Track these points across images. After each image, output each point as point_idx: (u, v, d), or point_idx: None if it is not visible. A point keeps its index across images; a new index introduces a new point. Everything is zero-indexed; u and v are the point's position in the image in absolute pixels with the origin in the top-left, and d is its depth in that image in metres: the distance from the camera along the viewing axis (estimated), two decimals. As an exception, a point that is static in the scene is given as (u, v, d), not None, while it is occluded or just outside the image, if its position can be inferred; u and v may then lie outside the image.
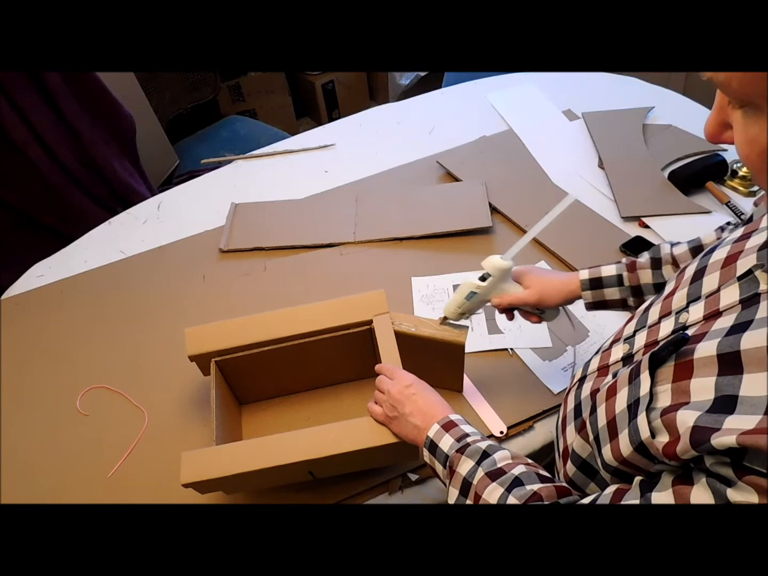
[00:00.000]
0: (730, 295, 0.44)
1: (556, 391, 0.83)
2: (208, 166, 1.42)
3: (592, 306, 0.72)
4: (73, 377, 0.94)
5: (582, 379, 0.60)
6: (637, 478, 0.44)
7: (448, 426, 0.58)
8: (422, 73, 2.42)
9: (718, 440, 0.35)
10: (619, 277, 0.70)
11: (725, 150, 1.17)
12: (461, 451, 0.55)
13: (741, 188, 1.10)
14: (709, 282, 0.47)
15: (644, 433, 0.43)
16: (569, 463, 0.57)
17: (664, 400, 0.43)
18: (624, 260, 0.71)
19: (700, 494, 0.37)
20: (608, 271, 0.70)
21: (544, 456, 0.79)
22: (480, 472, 0.52)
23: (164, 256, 1.15)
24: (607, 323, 0.90)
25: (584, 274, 0.71)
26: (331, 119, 2.38)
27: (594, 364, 0.59)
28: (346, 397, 0.85)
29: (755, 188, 1.09)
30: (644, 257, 0.70)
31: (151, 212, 1.27)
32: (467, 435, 0.57)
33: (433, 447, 0.58)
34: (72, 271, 1.14)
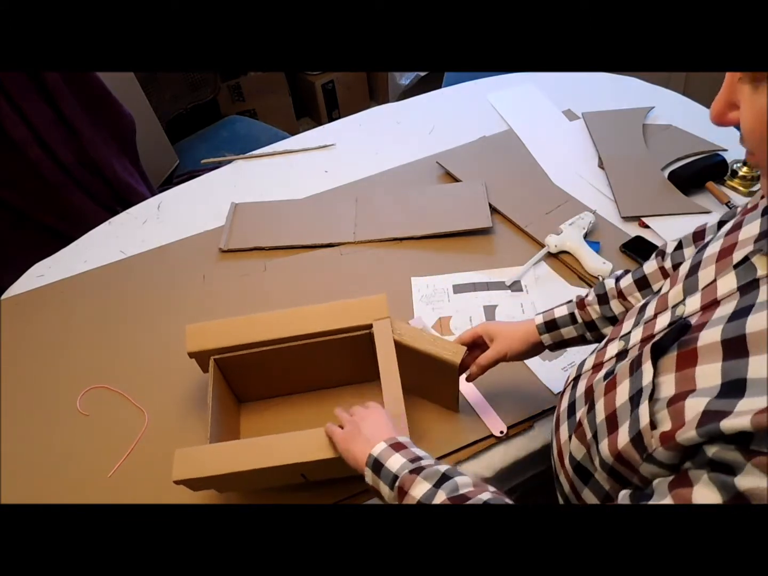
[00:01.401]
0: (727, 283, 0.43)
1: (556, 391, 0.83)
2: (208, 166, 1.42)
3: (554, 347, 0.73)
4: (73, 377, 0.94)
5: (576, 378, 0.59)
6: (624, 492, 0.43)
7: (398, 446, 0.55)
8: (422, 73, 2.42)
9: (729, 423, 0.34)
10: (572, 315, 0.71)
11: (725, 150, 1.17)
12: (416, 471, 0.51)
13: (741, 188, 1.10)
14: (705, 275, 0.47)
15: (644, 421, 0.42)
16: (567, 463, 0.56)
17: (667, 390, 0.42)
18: (574, 299, 0.72)
19: (704, 492, 0.35)
20: (560, 311, 0.71)
21: (544, 456, 0.78)
22: (441, 495, 0.49)
23: (164, 256, 1.15)
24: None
25: (539, 319, 0.72)
26: (331, 119, 2.38)
27: (589, 363, 0.59)
28: (346, 400, 0.85)
29: (755, 188, 1.09)
30: (591, 295, 0.71)
31: (151, 212, 1.27)
32: (420, 458, 0.54)
33: (377, 466, 0.54)
34: (72, 271, 1.14)
